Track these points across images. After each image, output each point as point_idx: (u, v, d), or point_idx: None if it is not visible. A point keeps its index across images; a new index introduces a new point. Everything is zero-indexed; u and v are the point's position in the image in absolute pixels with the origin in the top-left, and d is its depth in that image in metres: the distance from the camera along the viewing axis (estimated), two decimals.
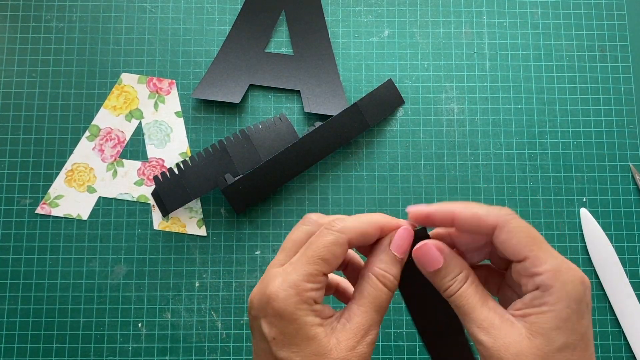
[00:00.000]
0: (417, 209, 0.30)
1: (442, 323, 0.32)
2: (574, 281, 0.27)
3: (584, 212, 0.50)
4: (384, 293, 0.29)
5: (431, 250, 0.29)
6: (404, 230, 0.30)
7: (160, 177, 0.50)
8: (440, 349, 0.33)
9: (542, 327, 0.27)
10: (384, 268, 0.30)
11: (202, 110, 0.54)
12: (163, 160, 0.52)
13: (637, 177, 0.53)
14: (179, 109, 0.54)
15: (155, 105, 0.53)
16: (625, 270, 0.51)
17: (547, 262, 0.27)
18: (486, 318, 0.28)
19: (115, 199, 0.52)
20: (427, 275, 0.30)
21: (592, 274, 0.51)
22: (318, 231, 0.29)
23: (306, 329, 0.28)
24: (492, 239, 0.29)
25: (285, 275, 0.28)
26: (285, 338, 0.28)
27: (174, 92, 0.54)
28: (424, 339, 0.33)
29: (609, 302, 0.50)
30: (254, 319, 0.29)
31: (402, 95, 0.54)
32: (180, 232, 0.51)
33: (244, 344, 0.49)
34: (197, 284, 0.50)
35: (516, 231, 0.28)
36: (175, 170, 0.50)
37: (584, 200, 0.52)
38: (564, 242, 0.52)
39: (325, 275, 0.29)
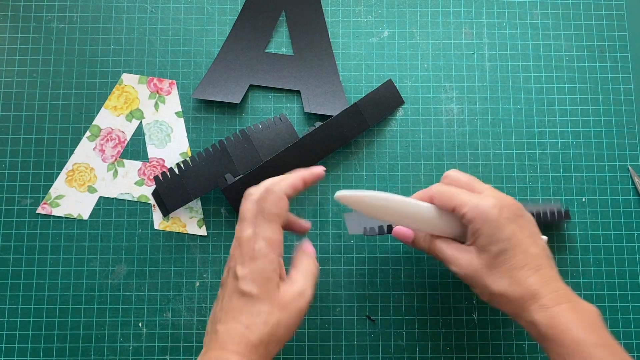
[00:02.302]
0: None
1: None
2: (487, 208, 0.38)
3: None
4: (313, 268, 0.42)
5: (404, 230, 0.44)
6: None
7: (160, 177, 0.50)
8: None
9: (481, 246, 0.39)
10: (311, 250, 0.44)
11: (202, 110, 0.54)
12: (163, 160, 0.53)
13: (636, 179, 0.53)
14: (179, 109, 0.54)
15: (156, 106, 0.54)
16: (625, 271, 0.51)
17: (467, 203, 0.39)
18: (451, 254, 0.41)
19: (116, 199, 0.52)
20: (409, 245, 0.44)
21: None
22: (262, 197, 0.39)
23: (269, 271, 0.38)
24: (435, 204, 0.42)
25: (257, 235, 0.38)
26: (253, 275, 0.37)
27: (175, 92, 0.54)
28: None
29: None
30: (231, 269, 0.39)
31: (402, 95, 0.54)
32: (180, 231, 0.51)
33: None
34: (197, 284, 0.50)
35: (439, 195, 0.41)
36: (176, 170, 0.50)
37: (583, 200, 0.53)
38: (563, 242, 0.52)
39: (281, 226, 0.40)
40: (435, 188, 0.42)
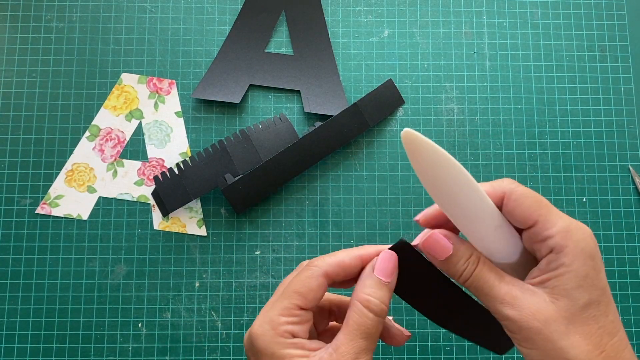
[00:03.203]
0: (424, 214, 0.31)
1: (455, 305, 0.32)
2: (586, 238, 0.27)
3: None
4: (369, 318, 0.29)
5: (440, 239, 0.29)
6: (385, 253, 0.30)
7: (160, 177, 0.50)
8: (464, 326, 0.33)
9: (563, 289, 0.26)
10: (368, 292, 0.29)
11: (202, 110, 0.54)
12: (163, 160, 0.52)
13: (637, 179, 0.53)
14: (179, 109, 0.54)
15: (156, 105, 0.53)
16: (625, 271, 0.51)
17: (557, 223, 0.27)
18: (507, 292, 0.28)
19: (116, 199, 0.52)
20: (439, 265, 0.30)
21: None
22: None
23: None
24: (502, 210, 0.29)
25: (264, 313, 0.30)
26: None
27: (174, 92, 0.54)
28: (448, 328, 0.33)
29: None
30: None
31: (402, 95, 0.54)
32: (180, 232, 0.51)
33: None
34: (197, 284, 0.50)
35: (523, 198, 0.28)
36: (176, 170, 0.50)
37: (584, 200, 0.52)
38: None
39: (304, 309, 0.30)
40: (512, 186, 0.29)
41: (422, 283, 0.31)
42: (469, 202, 0.28)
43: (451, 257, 0.29)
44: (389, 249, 0.31)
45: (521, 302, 0.27)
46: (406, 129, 0.28)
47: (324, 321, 0.35)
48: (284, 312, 0.29)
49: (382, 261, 0.30)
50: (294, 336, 0.29)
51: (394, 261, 0.30)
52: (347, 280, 0.31)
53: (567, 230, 0.27)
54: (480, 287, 0.28)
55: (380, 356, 0.49)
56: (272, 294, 0.49)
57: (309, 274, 0.30)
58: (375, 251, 0.31)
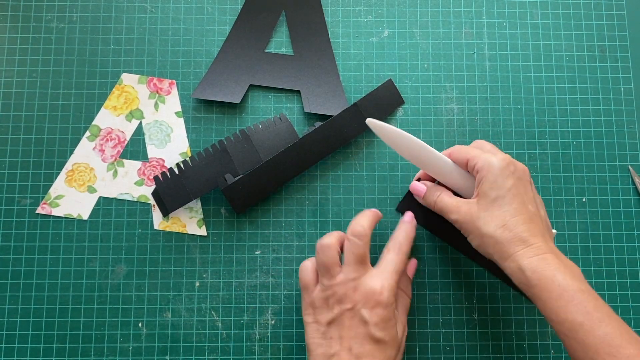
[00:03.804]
0: (419, 174, 0.50)
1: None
2: (497, 160, 0.42)
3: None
4: (408, 303, 0.47)
5: (416, 185, 0.48)
6: (414, 263, 0.50)
7: (160, 177, 0.50)
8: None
9: (482, 191, 0.42)
10: (405, 288, 0.47)
11: (202, 110, 0.54)
12: (163, 160, 0.53)
13: (636, 179, 0.53)
14: (179, 109, 0.54)
15: (156, 106, 0.54)
16: (625, 271, 0.51)
17: (479, 157, 0.43)
18: (455, 203, 0.44)
19: (116, 199, 0.52)
20: (421, 201, 0.48)
21: None
22: (387, 249, 0.45)
23: (394, 318, 0.42)
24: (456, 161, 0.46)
25: (382, 281, 0.42)
26: (384, 323, 0.41)
27: (174, 92, 0.54)
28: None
29: None
30: (349, 310, 0.41)
31: (402, 95, 0.54)
32: (180, 232, 0.51)
33: (244, 344, 0.49)
34: (197, 284, 0.50)
35: (459, 148, 0.45)
36: (176, 170, 0.50)
37: (584, 200, 0.52)
38: (563, 242, 0.52)
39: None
40: (456, 146, 0.46)
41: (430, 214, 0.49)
42: (428, 159, 0.46)
43: (425, 194, 0.47)
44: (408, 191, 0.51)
45: (461, 207, 0.43)
46: (368, 120, 0.45)
47: None
48: (397, 281, 0.43)
49: (412, 269, 0.50)
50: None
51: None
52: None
53: (486, 158, 0.42)
54: (441, 206, 0.45)
55: None
56: (271, 294, 0.49)
57: (402, 260, 0.44)
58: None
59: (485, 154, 0.43)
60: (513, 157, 0.53)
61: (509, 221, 0.40)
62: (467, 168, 0.44)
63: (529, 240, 0.39)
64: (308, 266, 0.44)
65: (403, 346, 0.43)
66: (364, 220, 0.43)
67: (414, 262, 0.49)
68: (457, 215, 0.43)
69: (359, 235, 0.43)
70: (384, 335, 0.41)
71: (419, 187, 0.48)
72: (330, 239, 0.43)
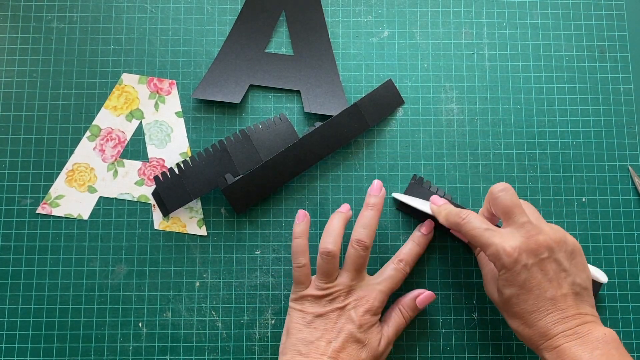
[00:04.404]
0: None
1: None
2: (504, 254, 0.40)
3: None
4: (402, 325, 0.48)
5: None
6: (429, 297, 0.49)
7: (160, 177, 0.50)
8: None
9: (499, 286, 0.41)
10: (405, 311, 0.48)
11: (202, 110, 0.54)
12: (163, 160, 0.53)
13: (636, 179, 0.53)
14: (179, 109, 0.54)
15: (156, 106, 0.54)
16: (625, 271, 0.51)
17: (490, 246, 0.41)
18: (489, 292, 0.45)
19: (116, 199, 0.52)
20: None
21: None
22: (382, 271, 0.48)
23: (378, 328, 0.45)
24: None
25: (377, 291, 0.46)
26: (367, 326, 0.44)
27: (175, 92, 0.54)
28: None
29: None
30: (340, 309, 0.44)
31: (401, 95, 0.54)
32: (180, 232, 0.51)
33: (244, 344, 0.49)
34: (197, 284, 0.50)
35: (473, 229, 0.42)
36: (176, 170, 0.50)
37: (583, 200, 0.53)
38: None
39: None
40: (469, 219, 0.42)
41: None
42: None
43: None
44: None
45: (489, 286, 0.45)
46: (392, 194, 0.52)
47: None
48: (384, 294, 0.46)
49: (425, 297, 0.49)
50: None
51: (431, 299, 0.49)
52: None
53: (495, 253, 0.40)
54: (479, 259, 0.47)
55: None
56: (271, 294, 0.49)
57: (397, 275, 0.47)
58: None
59: (496, 240, 0.40)
60: (512, 157, 0.53)
61: (527, 318, 0.40)
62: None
63: (549, 334, 0.39)
64: (303, 264, 0.45)
65: (383, 358, 0.45)
66: (370, 232, 0.45)
67: (428, 295, 0.48)
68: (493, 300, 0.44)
69: (364, 247, 0.45)
70: (364, 338, 0.43)
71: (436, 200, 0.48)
72: (335, 248, 0.45)
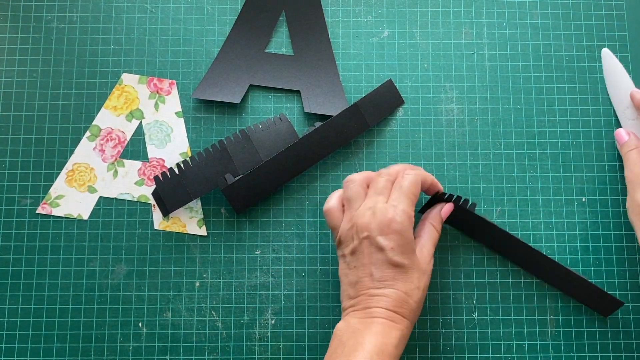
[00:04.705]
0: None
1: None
2: None
3: (606, 52, 0.55)
4: (436, 236, 0.47)
5: (621, 132, 0.52)
6: (450, 206, 0.48)
7: (160, 177, 0.50)
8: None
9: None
10: (436, 221, 0.47)
11: (202, 110, 0.54)
12: (163, 160, 0.53)
13: None
14: (179, 109, 0.54)
15: (156, 106, 0.54)
16: (625, 271, 0.51)
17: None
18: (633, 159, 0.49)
19: (116, 199, 0.52)
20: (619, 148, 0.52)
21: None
22: (400, 177, 0.45)
23: (411, 243, 0.43)
24: None
25: (395, 207, 0.43)
26: (400, 248, 0.42)
27: (175, 92, 0.54)
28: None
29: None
30: (366, 239, 0.42)
31: (402, 95, 0.54)
32: (180, 232, 0.51)
33: (244, 344, 0.49)
34: (197, 284, 0.50)
35: None
36: (176, 170, 0.50)
37: (583, 200, 0.53)
38: (563, 242, 0.52)
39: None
40: None
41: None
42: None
43: (624, 142, 0.51)
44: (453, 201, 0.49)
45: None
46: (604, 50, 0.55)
47: None
48: (411, 207, 0.44)
49: (447, 211, 0.48)
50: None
51: (451, 210, 0.48)
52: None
53: None
54: (628, 160, 0.50)
55: None
56: (271, 294, 0.49)
57: (417, 180, 0.45)
58: (436, 187, 0.49)
59: None
60: (512, 157, 0.53)
61: None
62: None
63: None
64: (333, 207, 0.46)
65: (428, 272, 0.44)
66: (404, 167, 0.46)
67: (449, 206, 0.48)
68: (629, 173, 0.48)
69: (388, 175, 0.45)
70: (402, 260, 0.42)
71: (621, 134, 0.51)
72: (357, 176, 0.46)
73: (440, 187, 0.48)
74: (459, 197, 0.48)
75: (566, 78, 0.55)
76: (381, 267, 0.42)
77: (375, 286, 0.42)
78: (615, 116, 0.54)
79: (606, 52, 0.54)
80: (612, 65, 0.54)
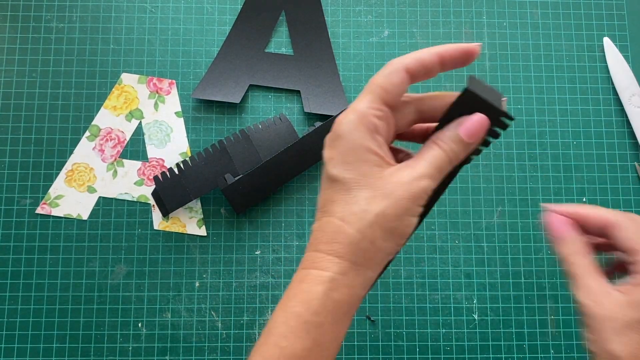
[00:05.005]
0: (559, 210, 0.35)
1: None
2: None
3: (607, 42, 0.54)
4: (444, 159, 0.30)
5: (560, 222, 0.34)
6: (479, 118, 0.30)
7: (160, 177, 0.50)
8: None
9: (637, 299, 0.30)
10: (448, 143, 0.30)
11: (202, 110, 0.54)
12: (163, 160, 0.52)
13: None
14: (179, 109, 0.54)
15: (156, 105, 0.53)
16: None
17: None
18: (591, 286, 0.32)
19: (116, 199, 0.52)
20: (553, 242, 0.34)
21: None
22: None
23: (361, 150, 0.29)
24: (608, 234, 0.33)
25: (350, 107, 0.30)
26: (341, 156, 0.29)
27: (174, 92, 0.54)
28: None
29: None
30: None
31: None
32: (180, 232, 0.51)
33: (244, 344, 0.49)
34: (197, 284, 0.50)
35: (629, 230, 0.32)
36: (176, 170, 0.50)
37: (584, 200, 0.52)
38: None
39: (387, 105, 0.30)
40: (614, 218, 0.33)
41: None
42: None
43: (563, 241, 0.34)
44: (466, 90, 0.30)
45: (602, 300, 0.31)
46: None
47: (403, 122, 0.33)
48: (370, 104, 0.30)
49: (472, 125, 0.30)
50: (376, 131, 0.30)
51: (484, 128, 0.31)
52: (427, 76, 0.32)
53: None
54: (573, 274, 0.33)
55: (381, 356, 0.49)
56: (271, 294, 0.49)
57: (392, 69, 0.30)
58: (456, 52, 0.31)
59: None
60: (513, 157, 0.53)
61: None
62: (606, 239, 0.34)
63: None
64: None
65: (411, 198, 0.29)
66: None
67: (477, 119, 0.30)
68: (589, 301, 0.31)
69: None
70: (339, 172, 0.29)
71: (556, 223, 0.34)
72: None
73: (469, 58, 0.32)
74: (496, 109, 0.30)
75: (566, 78, 0.55)
76: (322, 189, 0.30)
77: (316, 218, 0.31)
78: (619, 105, 0.54)
79: (608, 42, 0.54)
80: (614, 54, 0.54)
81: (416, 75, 0.31)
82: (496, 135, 0.32)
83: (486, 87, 0.31)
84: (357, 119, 0.30)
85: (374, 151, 0.29)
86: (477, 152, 0.32)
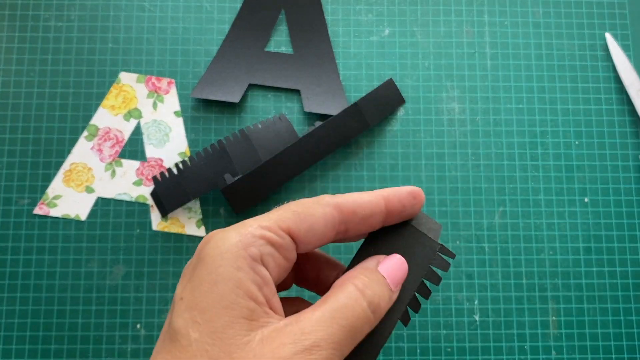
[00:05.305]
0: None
1: None
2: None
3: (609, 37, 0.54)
4: (361, 308, 0.21)
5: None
6: (398, 260, 0.24)
7: (159, 177, 0.50)
8: None
9: None
10: (366, 283, 0.22)
11: (201, 109, 0.53)
12: (162, 160, 0.52)
13: None
14: (178, 108, 0.53)
15: (154, 105, 0.53)
16: (627, 271, 0.51)
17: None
18: None
19: (114, 199, 0.51)
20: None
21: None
22: None
23: (229, 288, 0.19)
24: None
25: (239, 223, 0.22)
26: (196, 297, 0.19)
27: (173, 92, 0.53)
28: None
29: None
30: None
31: (402, 94, 0.54)
32: (179, 232, 0.51)
33: None
34: None
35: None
36: (174, 170, 0.50)
37: (586, 200, 0.52)
38: (565, 243, 0.51)
39: (292, 240, 0.22)
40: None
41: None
42: None
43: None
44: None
45: None
46: None
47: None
48: (268, 223, 0.21)
49: (392, 266, 0.24)
50: (263, 264, 0.20)
51: (404, 272, 0.25)
52: (362, 227, 0.24)
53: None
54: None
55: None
56: None
57: (317, 199, 0.23)
58: (399, 199, 0.25)
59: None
60: (514, 157, 0.53)
61: None
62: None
63: None
64: None
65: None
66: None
67: (394, 261, 0.25)
68: None
69: None
70: (187, 328, 0.19)
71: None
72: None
73: (401, 197, 0.26)
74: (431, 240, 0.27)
75: (568, 77, 0.55)
76: (163, 331, 0.22)
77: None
78: (622, 104, 0.54)
79: (610, 38, 0.54)
80: (616, 50, 0.54)
81: (349, 219, 0.24)
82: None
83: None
84: (239, 240, 0.20)
85: (248, 293, 0.19)
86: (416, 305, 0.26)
